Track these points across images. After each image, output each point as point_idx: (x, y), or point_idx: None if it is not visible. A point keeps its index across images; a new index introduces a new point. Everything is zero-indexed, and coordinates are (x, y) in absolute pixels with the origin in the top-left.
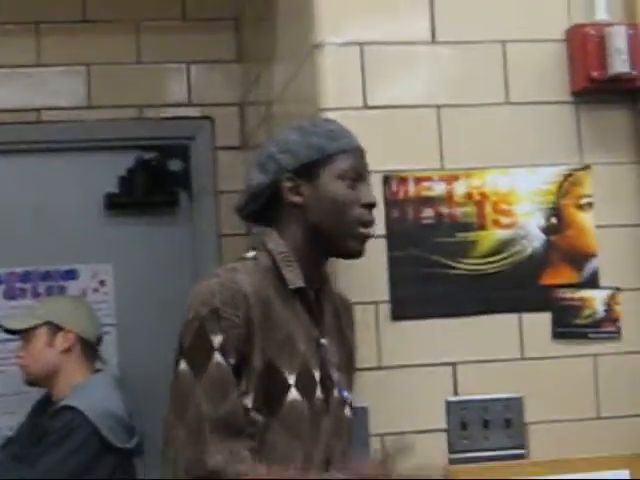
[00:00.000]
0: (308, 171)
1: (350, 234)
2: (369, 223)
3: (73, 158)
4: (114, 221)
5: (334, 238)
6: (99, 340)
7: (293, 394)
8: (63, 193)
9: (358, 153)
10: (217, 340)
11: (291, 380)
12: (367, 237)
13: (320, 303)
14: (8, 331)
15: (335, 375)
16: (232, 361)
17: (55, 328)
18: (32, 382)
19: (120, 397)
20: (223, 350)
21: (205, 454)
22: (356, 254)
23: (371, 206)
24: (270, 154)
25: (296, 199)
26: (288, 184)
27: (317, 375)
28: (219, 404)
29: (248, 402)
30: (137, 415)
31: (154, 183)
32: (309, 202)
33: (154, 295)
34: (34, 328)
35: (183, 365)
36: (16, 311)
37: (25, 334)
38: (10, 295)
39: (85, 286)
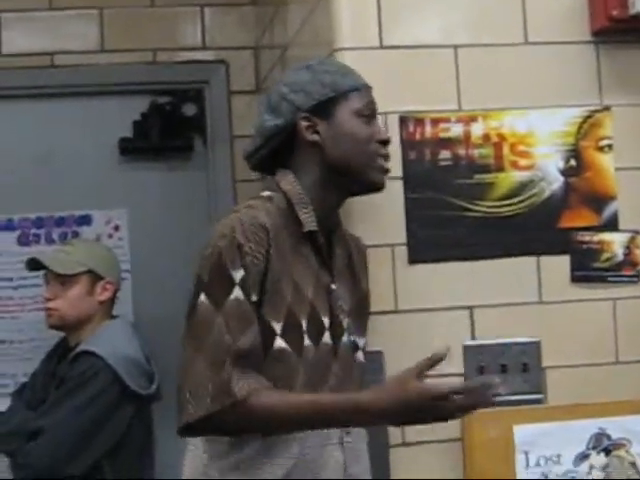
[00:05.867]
0: (323, 109)
1: (371, 166)
2: (387, 157)
3: (87, 103)
4: (128, 166)
5: (355, 172)
6: None
7: (305, 339)
8: (76, 138)
9: (368, 90)
10: (238, 275)
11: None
12: (386, 170)
13: (332, 247)
14: (37, 269)
15: (345, 321)
16: (254, 297)
17: (95, 277)
18: (59, 327)
19: (138, 342)
20: (244, 285)
21: (230, 382)
22: (380, 185)
23: (386, 142)
24: (282, 95)
25: (314, 137)
26: (305, 123)
27: (326, 321)
28: (239, 337)
29: (277, 328)
30: (153, 361)
31: (168, 128)
32: (327, 140)
33: (168, 241)
34: (76, 274)
35: (202, 297)
36: (51, 252)
37: (61, 278)
38: (24, 241)
39: (99, 232)
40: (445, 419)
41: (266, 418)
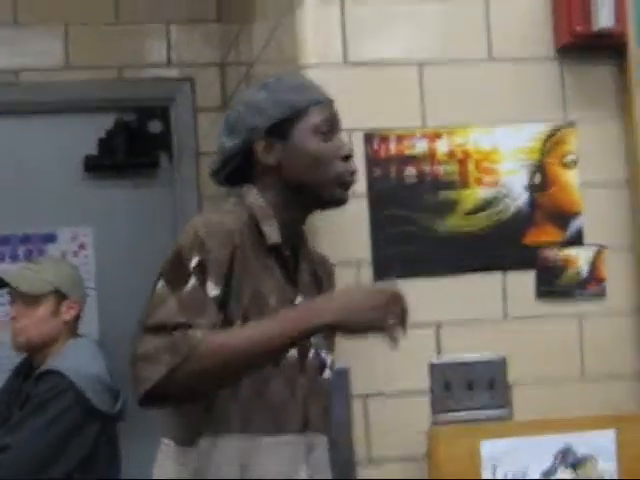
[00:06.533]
0: (280, 129)
1: (334, 183)
2: (352, 173)
3: (52, 120)
4: (94, 184)
5: (317, 190)
6: None
7: None
8: (42, 155)
9: (328, 104)
10: (196, 266)
11: None
12: (351, 184)
13: (297, 262)
14: (1, 287)
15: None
16: (216, 291)
17: (61, 296)
18: (24, 348)
19: (103, 361)
20: (201, 277)
21: (185, 336)
22: (342, 201)
23: (349, 157)
24: (239, 116)
25: (271, 160)
26: (261, 145)
27: None
28: (195, 319)
29: None
30: (119, 380)
31: (134, 145)
32: (284, 161)
33: (135, 258)
34: (42, 294)
35: (160, 285)
36: (17, 270)
37: (27, 297)
38: None
39: (65, 249)
40: (382, 327)
41: (221, 357)
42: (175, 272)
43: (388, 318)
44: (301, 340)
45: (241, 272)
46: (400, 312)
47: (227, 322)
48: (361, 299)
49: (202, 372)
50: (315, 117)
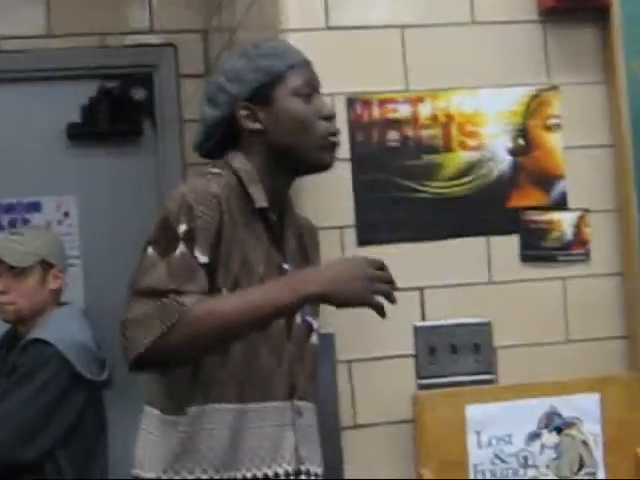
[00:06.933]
0: (261, 95)
1: (319, 146)
2: (335, 133)
3: (34, 88)
4: (77, 152)
5: (303, 154)
6: None
7: None
8: (24, 124)
9: (307, 66)
10: (184, 232)
11: None
12: (334, 146)
13: (283, 228)
14: None
15: None
16: (203, 258)
17: (47, 266)
18: (13, 319)
19: (89, 329)
20: (189, 243)
21: (175, 302)
22: (327, 165)
23: (330, 118)
24: (219, 85)
25: (255, 126)
26: (244, 112)
27: None
28: (183, 285)
29: None
30: (105, 347)
31: (117, 112)
32: (269, 126)
33: (119, 225)
34: (29, 266)
35: (149, 251)
36: (2, 242)
37: (14, 269)
38: None
39: (49, 218)
40: (368, 300)
41: (210, 324)
42: (164, 238)
43: (374, 290)
44: (289, 310)
45: (229, 238)
46: (386, 283)
47: (215, 289)
48: (348, 271)
49: (191, 339)
50: (294, 80)
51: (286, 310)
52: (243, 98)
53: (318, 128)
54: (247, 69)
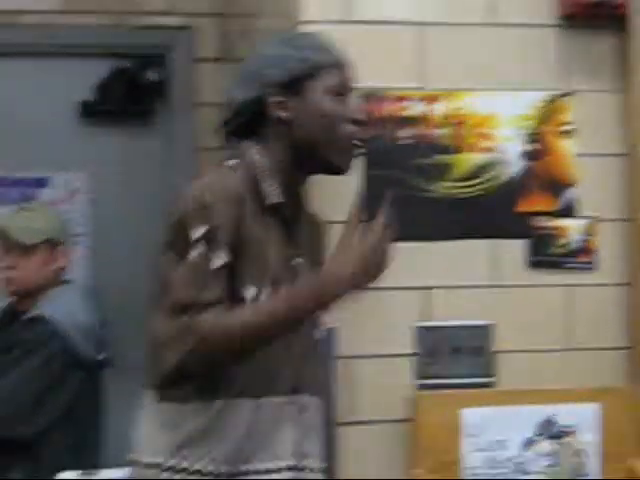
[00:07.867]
0: (296, 85)
1: (341, 149)
2: (362, 140)
3: (49, 63)
4: (88, 130)
5: (323, 153)
6: None
7: None
8: (37, 99)
9: (347, 66)
10: (201, 233)
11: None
12: (358, 153)
13: (296, 223)
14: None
15: None
16: (223, 257)
17: (54, 243)
18: (17, 294)
19: (91, 308)
20: (207, 244)
21: (194, 321)
22: (344, 170)
23: (362, 123)
24: (254, 68)
25: (283, 114)
26: (275, 99)
27: None
28: (202, 291)
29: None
30: (108, 327)
31: (130, 93)
32: (296, 117)
33: (127, 205)
34: (36, 243)
35: (166, 257)
36: (11, 218)
37: (22, 247)
38: None
39: (58, 195)
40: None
41: (228, 342)
42: (181, 242)
43: (367, 279)
44: (307, 318)
45: (246, 238)
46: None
47: (234, 289)
48: (348, 273)
49: (212, 355)
50: (332, 78)
51: (303, 319)
52: (278, 84)
53: (345, 130)
54: (285, 57)
